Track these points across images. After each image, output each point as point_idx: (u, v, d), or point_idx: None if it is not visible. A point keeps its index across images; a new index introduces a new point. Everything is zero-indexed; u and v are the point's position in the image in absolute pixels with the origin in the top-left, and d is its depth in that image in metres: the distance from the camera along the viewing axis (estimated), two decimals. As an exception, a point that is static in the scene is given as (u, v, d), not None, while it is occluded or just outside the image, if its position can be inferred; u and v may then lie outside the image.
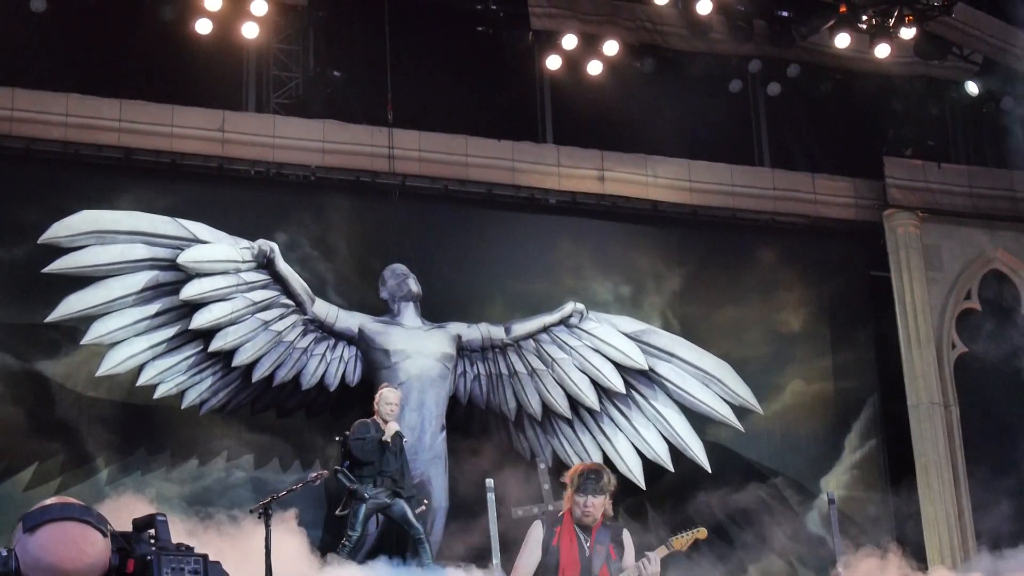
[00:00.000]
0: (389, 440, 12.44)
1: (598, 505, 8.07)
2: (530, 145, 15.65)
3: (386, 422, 12.56)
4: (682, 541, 8.53)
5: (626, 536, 8.39)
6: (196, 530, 12.27)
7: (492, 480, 12.75)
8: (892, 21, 15.28)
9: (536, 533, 8.32)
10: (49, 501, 2.96)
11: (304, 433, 13.88)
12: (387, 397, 12.72)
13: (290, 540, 11.68)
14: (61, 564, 2.76)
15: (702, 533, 8.85)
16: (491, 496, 12.65)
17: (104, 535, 2.86)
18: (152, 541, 2.97)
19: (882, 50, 15.47)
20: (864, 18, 15.39)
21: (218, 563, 2.86)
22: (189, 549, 2.92)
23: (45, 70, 14.18)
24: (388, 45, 15.05)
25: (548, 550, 8.18)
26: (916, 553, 14.69)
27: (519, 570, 8.25)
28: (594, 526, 8.13)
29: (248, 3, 14.50)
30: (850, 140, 16.15)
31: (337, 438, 12.76)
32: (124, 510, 12.66)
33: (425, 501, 13.08)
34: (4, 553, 2.82)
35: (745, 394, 15.15)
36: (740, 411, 15.16)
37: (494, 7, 15.59)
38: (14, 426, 13.23)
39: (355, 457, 12.42)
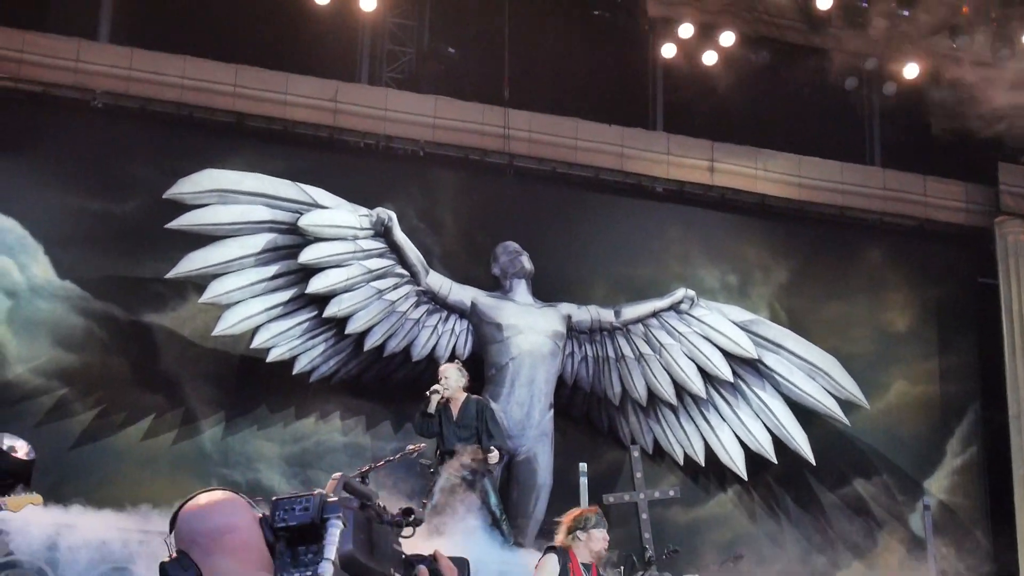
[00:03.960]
0: (432, 413, 12.52)
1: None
2: (640, 132, 16.26)
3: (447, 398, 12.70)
4: None
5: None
6: (297, 491, 13.03)
7: (585, 464, 13.45)
8: (1014, 23, 15.73)
9: (552, 565, 9.05)
10: None
11: (408, 403, 14.20)
12: (440, 371, 12.85)
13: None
14: (199, 505, 3.13)
15: None
16: (583, 480, 13.31)
17: (235, 492, 3.19)
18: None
19: (1003, 53, 15.85)
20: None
21: (335, 502, 3.01)
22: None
23: (163, 32, 14.89)
24: (506, 24, 15.65)
25: None
26: (1010, 565, 15.39)
27: None
28: (593, 564, 9.05)
29: (367, -26, 15.21)
30: (964, 144, 16.22)
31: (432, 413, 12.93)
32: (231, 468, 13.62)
33: (493, 448, 12.62)
34: (173, 558, 3.10)
35: (851, 388, 15.67)
36: (846, 406, 15.70)
37: (612, -8, 16.10)
38: (118, 376, 13.97)
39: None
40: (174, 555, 3.11)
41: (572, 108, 16.05)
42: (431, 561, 3.29)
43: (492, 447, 12.62)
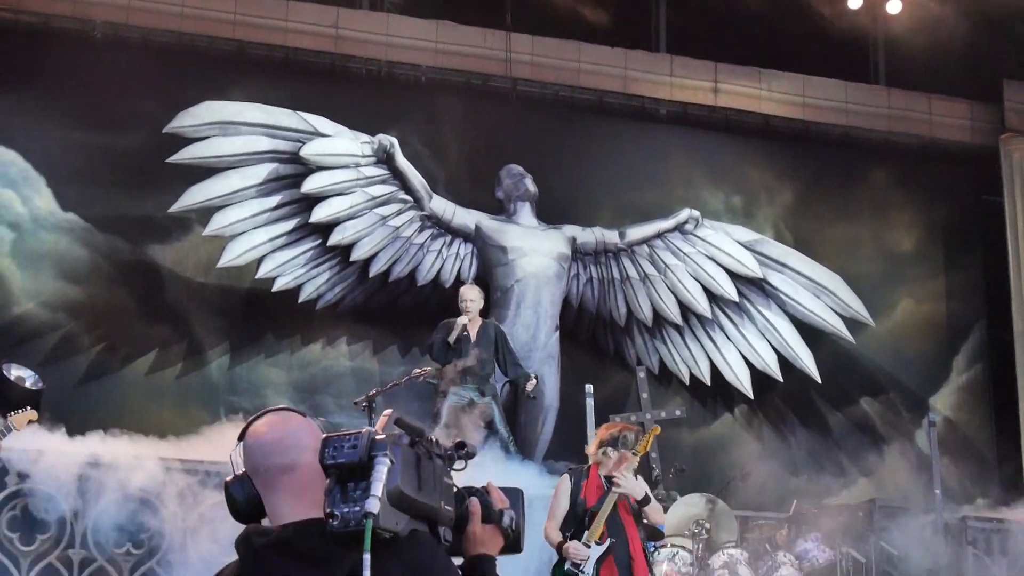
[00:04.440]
0: (460, 333, 12.97)
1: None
2: (643, 54, 16.31)
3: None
4: (643, 444, 9.46)
5: (640, 481, 9.30)
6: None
7: (591, 386, 13.64)
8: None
9: (565, 486, 9.12)
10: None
11: (415, 329, 14.59)
12: (463, 294, 13.32)
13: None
14: (264, 436, 3.23)
15: (656, 430, 9.83)
16: (590, 401, 13.46)
17: (303, 415, 3.28)
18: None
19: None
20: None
21: (382, 440, 3.06)
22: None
23: (162, -40, 14.98)
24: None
25: (576, 502, 9.03)
26: (1014, 480, 15.52)
27: (553, 518, 9.06)
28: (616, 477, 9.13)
29: (366, -102, 15.32)
30: (970, 62, 16.40)
31: None
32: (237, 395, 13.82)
33: (534, 376, 13.41)
34: (236, 476, 3.28)
35: (857, 306, 15.88)
36: (851, 324, 15.91)
37: (615, -89, 16.05)
38: (124, 309, 14.17)
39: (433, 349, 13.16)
40: (239, 474, 3.27)
41: (575, 31, 16.07)
42: (483, 493, 3.38)
43: (532, 374, 13.27)
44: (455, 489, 3.32)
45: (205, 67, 14.96)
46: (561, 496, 9.12)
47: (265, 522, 3.25)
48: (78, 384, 13.79)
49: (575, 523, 9.01)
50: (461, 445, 3.32)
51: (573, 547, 8.83)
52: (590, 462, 9.24)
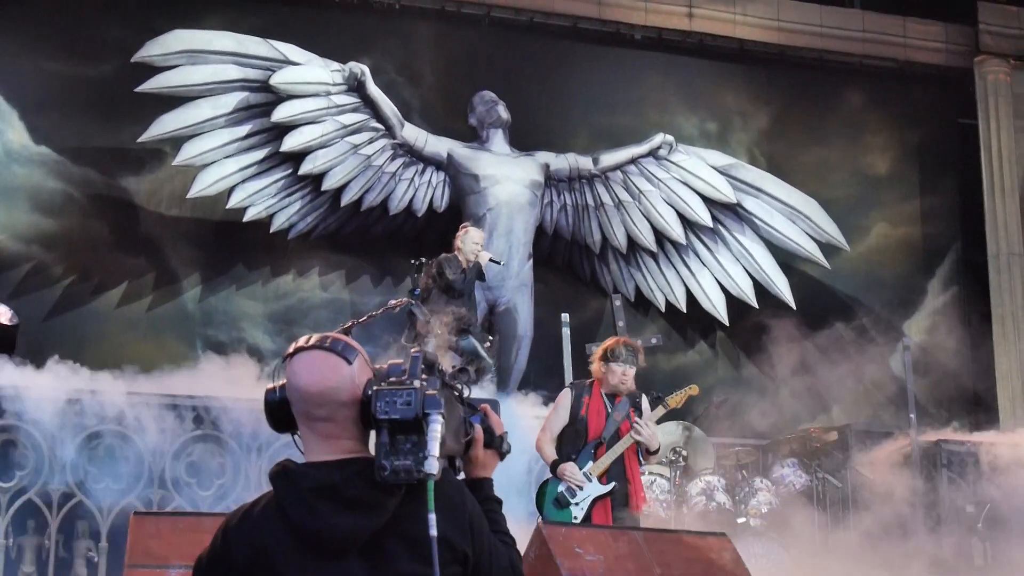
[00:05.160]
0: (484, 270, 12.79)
1: (632, 375, 8.95)
2: (617, -21, 16.14)
3: (469, 260, 12.79)
4: (677, 399, 9.51)
5: (644, 400, 9.33)
6: (282, 349, 13.27)
7: (567, 315, 13.67)
8: None
9: (565, 400, 9.06)
10: (305, 337, 3.42)
11: (388, 257, 14.69)
12: (474, 236, 12.93)
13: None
14: (307, 386, 3.23)
15: (694, 390, 9.85)
16: (566, 331, 13.46)
17: (348, 363, 3.26)
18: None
19: None
20: None
21: (435, 395, 3.12)
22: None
23: None
24: None
25: (576, 418, 8.97)
26: (988, 403, 15.74)
27: (547, 431, 9.01)
28: (619, 395, 9.18)
29: None
30: None
31: (413, 261, 12.81)
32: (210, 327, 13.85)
33: (490, 337, 13.37)
34: (276, 387, 3.34)
35: (832, 231, 15.94)
36: (826, 249, 16.00)
37: None
38: (98, 241, 14.16)
39: (452, 289, 13.18)
40: (279, 386, 3.35)
41: (550, -45, 15.94)
42: (484, 417, 3.48)
43: (490, 337, 13.24)
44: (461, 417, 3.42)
45: (176, -4, 14.80)
46: (560, 410, 9.07)
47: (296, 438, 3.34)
48: (51, 314, 13.80)
49: (573, 440, 9.05)
50: (463, 371, 3.44)
51: (569, 470, 8.85)
52: (593, 378, 9.26)
